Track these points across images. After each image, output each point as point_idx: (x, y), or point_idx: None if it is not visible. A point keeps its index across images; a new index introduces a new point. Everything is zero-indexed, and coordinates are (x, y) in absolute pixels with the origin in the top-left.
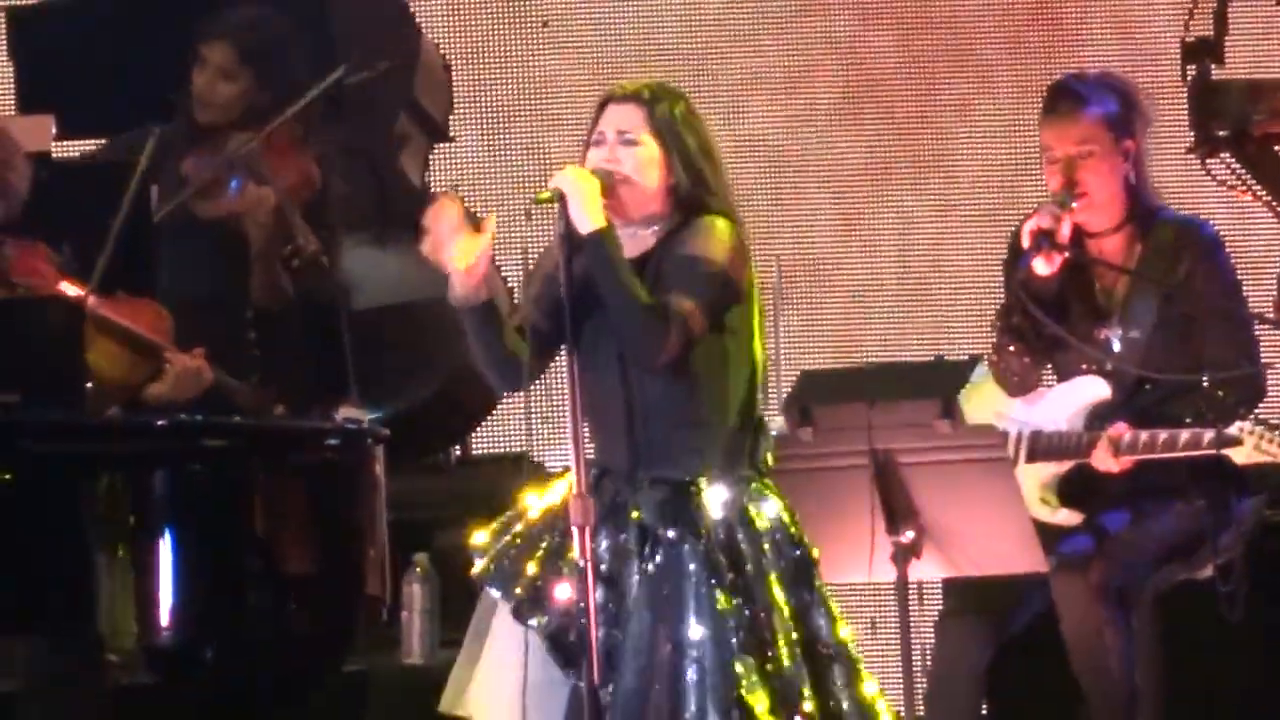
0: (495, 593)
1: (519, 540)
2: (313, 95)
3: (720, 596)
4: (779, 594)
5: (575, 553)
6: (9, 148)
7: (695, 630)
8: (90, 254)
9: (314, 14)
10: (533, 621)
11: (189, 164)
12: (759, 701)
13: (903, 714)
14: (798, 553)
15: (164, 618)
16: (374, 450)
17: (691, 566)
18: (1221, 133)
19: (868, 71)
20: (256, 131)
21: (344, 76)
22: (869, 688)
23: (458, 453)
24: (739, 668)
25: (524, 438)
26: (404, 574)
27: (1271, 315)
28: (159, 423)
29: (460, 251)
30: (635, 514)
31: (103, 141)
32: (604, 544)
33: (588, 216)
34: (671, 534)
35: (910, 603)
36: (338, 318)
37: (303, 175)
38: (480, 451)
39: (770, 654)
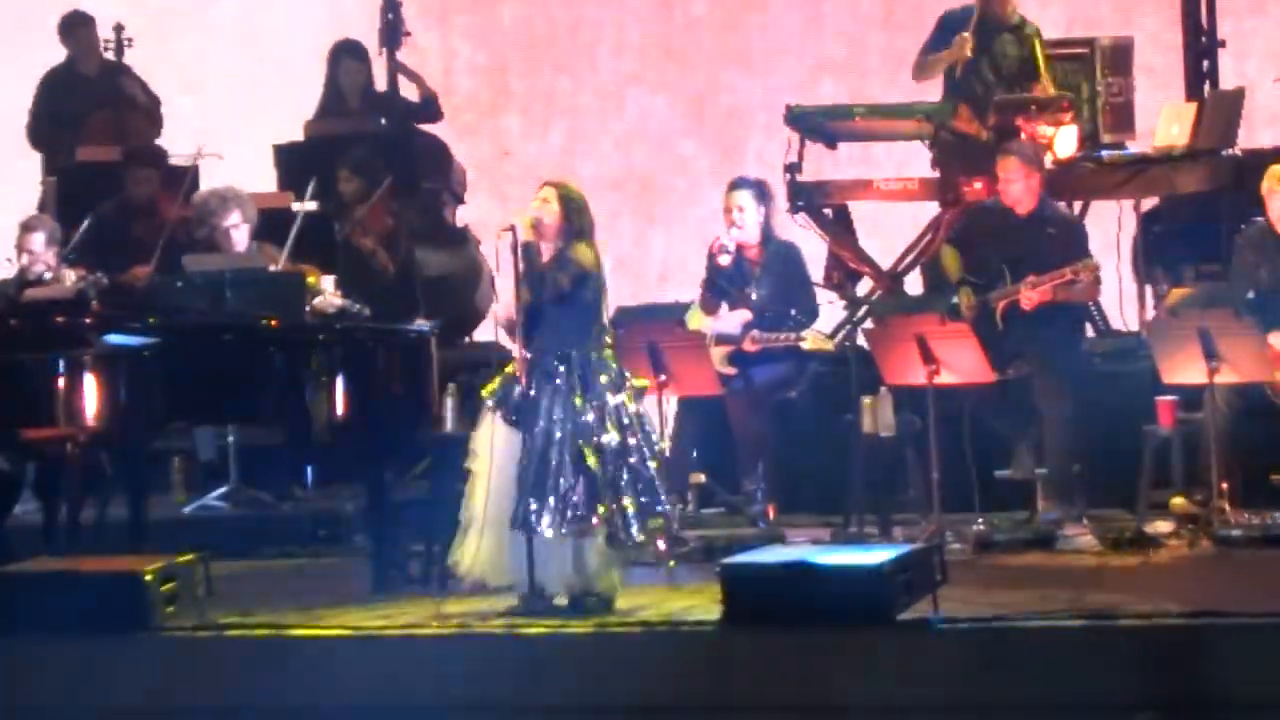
0: (489, 402)
1: (498, 386)
2: (385, 186)
3: (578, 400)
4: (609, 398)
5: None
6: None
7: (566, 415)
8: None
9: (400, 145)
10: (499, 411)
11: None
12: (593, 449)
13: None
14: (618, 377)
15: (339, 408)
16: (431, 338)
17: (567, 387)
18: (800, 203)
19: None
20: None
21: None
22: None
23: (465, 340)
24: (576, 430)
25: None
26: (443, 392)
27: (821, 283)
28: (337, 326)
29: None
30: (544, 367)
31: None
32: (537, 382)
33: (524, 235)
34: (561, 374)
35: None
36: (414, 280)
37: (383, 222)
38: (475, 339)
39: (598, 419)
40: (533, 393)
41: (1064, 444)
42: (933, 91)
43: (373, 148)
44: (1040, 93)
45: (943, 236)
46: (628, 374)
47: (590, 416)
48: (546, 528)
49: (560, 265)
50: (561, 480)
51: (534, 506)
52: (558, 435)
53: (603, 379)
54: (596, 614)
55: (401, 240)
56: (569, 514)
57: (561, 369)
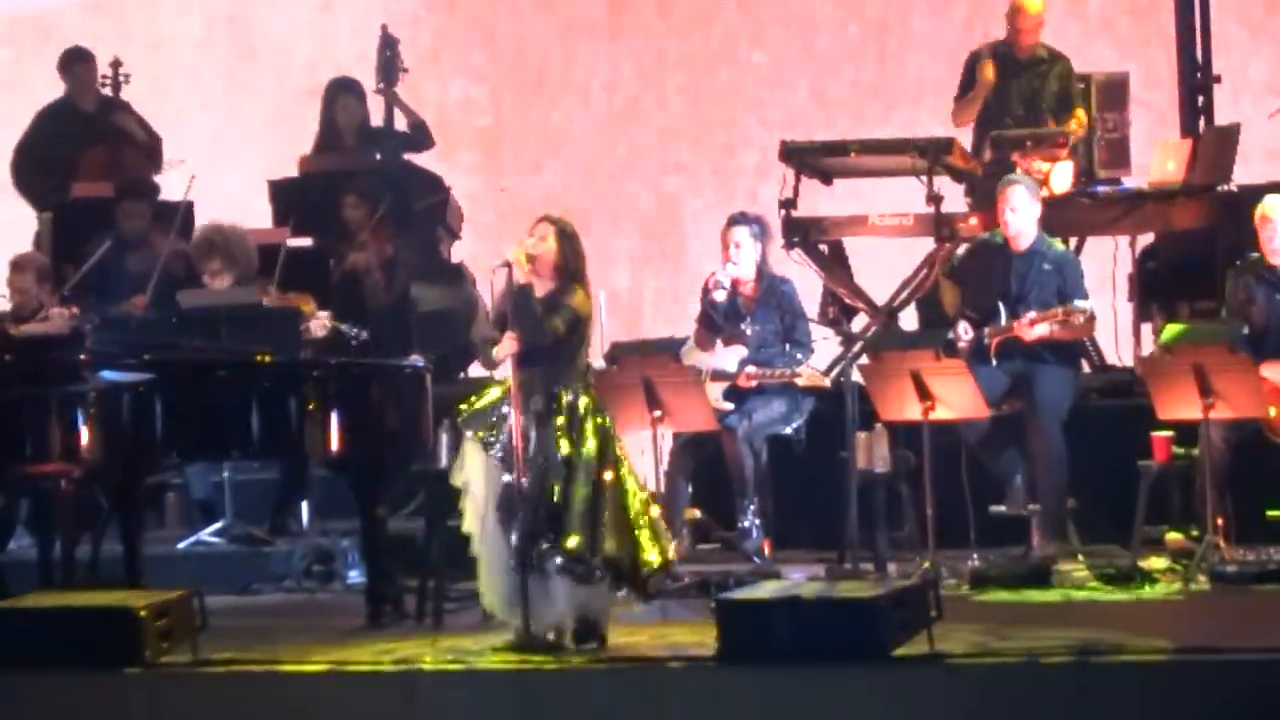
0: (468, 432)
1: (479, 412)
2: (382, 209)
3: (563, 441)
4: (589, 439)
5: (511, 417)
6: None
7: (551, 457)
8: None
9: (397, 179)
10: (491, 448)
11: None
12: (573, 488)
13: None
14: (599, 419)
15: (334, 443)
16: (425, 373)
17: (554, 427)
18: (795, 239)
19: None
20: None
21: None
22: (627, 471)
23: (460, 375)
24: (564, 472)
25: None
26: (438, 427)
27: (816, 319)
28: (332, 361)
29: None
30: (534, 404)
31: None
32: (525, 418)
33: (520, 270)
34: (546, 413)
35: (659, 442)
36: (410, 315)
37: (384, 248)
38: (470, 375)
39: (580, 460)
40: (529, 434)
41: (1054, 481)
42: (929, 128)
43: (379, 176)
44: (1078, 126)
45: (938, 271)
46: (608, 418)
47: (575, 455)
48: (557, 567)
49: (555, 309)
50: (556, 517)
51: (544, 547)
52: (551, 474)
53: (585, 417)
54: (592, 649)
55: (399, 273)
56: (561, 547)
57: (551, 409)
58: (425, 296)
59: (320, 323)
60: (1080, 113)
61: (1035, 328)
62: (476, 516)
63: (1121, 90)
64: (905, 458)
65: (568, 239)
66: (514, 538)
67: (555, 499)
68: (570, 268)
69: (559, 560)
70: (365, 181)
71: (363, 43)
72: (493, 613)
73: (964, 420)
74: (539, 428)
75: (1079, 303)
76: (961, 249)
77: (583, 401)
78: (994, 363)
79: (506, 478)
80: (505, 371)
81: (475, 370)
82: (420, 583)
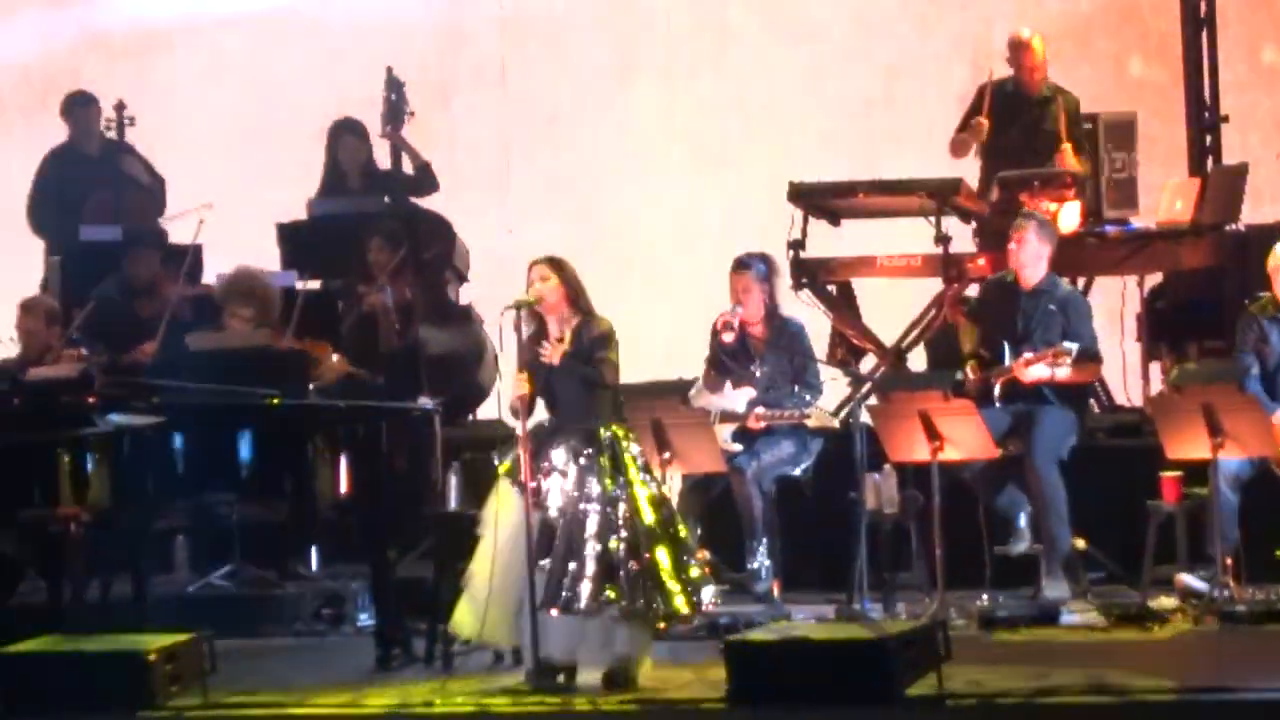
0: (506, 479)
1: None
2: (400, 257)
3: (607, 481)
4: (634, 474)
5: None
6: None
7: (594, 495)
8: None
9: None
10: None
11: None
12: (614, 529)
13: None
14: (637, 455)
15: (343, 486)
16: (435, 416)
17: (593, 466)
18: (804, 280)
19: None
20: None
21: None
22: (663, 510)
23: (470, 418)
24: (609, 512)
25: (498, 412)
26: (447, 470)
27: (825, 360)
28: (341, 404)
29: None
30: (571, 442)
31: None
32: (562, 456)
33: (529, 315)
34: (585, 451)
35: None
36: (419, 358)
37: (402, 292)
38: (479, 418)
39: (623, 500)
40: (562, 472)
41: (1055, 522)
42: (937, 169)
43: (401, 219)
44: (1061, 163)
45: (946, 311)
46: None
47: (620, 497)
48: (582, 607)
49: (598, 348)
50: (592, 560)
51: (570, 586)
52: (590, 516)
53: (628, 458)
54: (621, 690)
55: (414, 318)
56: (602, 594)
57: (589, 449)
58: (433, 339)
59: (333, 366)
60: (1067, 148)
61: (1030, 369)
62: (489, 549)
63: (1129, 130)
64: (914, 498)
65: (565, 270)
66: (544, 575)
67: (600, 543)
68: (580, 295)
69: (610, 608)
70: (390, 224)
71: (372, 85)
72: (460, 635)
73: (971, 460)
74: (577, 466)
75: (1066, 343)
76: (971, 289)
77: (619, 435)
78: (997, 404)
79: (553, 512)
80: (539, 414)
81: (484, 412)
82: (429, 625)
